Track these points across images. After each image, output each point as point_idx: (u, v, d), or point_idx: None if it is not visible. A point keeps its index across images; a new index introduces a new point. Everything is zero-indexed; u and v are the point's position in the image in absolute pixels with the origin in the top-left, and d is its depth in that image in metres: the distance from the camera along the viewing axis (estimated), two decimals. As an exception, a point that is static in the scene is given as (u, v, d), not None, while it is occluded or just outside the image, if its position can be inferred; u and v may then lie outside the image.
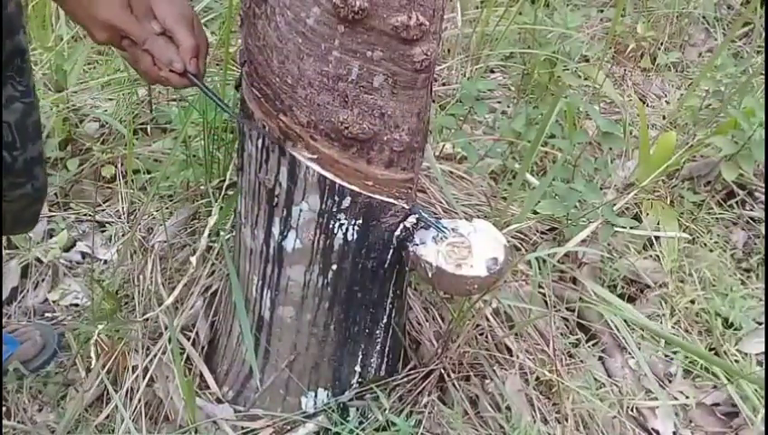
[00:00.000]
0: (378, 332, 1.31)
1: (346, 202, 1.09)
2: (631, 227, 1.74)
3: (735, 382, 1.53)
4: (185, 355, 1.44)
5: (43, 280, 1.69)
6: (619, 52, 2.64)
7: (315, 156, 1.04)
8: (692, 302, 1.72)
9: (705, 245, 1.88)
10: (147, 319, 1.47)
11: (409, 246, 1.14)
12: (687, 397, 1.53)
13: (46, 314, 1.62)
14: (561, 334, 1.60)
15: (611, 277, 1.75)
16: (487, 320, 1.52)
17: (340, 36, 0.93)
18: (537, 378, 1.47)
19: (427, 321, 1.53)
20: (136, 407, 1.36)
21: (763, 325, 1.67)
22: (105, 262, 1.72)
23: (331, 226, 1.12)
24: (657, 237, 1.82)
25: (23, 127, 1.12)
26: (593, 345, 1.61)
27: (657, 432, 1.46)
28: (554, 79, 2.16)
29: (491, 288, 1.25)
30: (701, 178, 2.01)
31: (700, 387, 1.56)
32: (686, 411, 1.52)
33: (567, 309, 1.65)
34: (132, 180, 1.84)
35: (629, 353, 1.57)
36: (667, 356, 1.62)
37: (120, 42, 0.99)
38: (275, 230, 1.16)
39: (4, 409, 1.41)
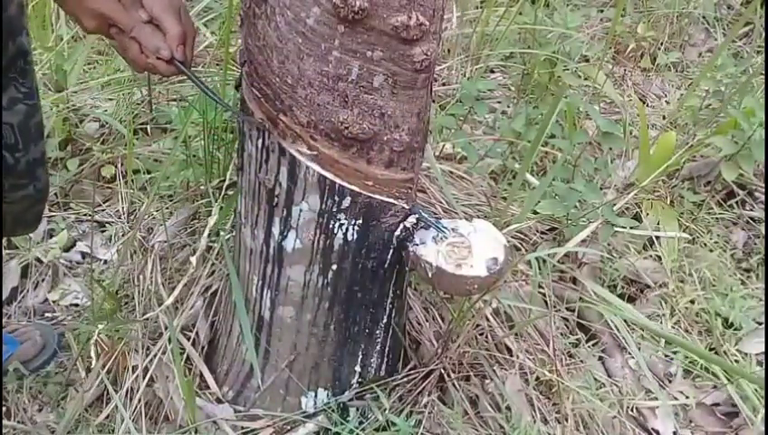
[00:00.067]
0: (378, 332, 1.31)
1: (346, 202, 1.09)
2: (631, 227, 1.74)
3: (735, 382, 1.53)
4: (185, 355, 1.44)
5: (43, 280, 1.69)
6: (619, 52, 2.64)
7: (315, 156, 1.04)
8: (692, 302, 1.72)
9: (705, 245, 1.88)
10: (147, 319, 1.47)
11: (409, 246, 1.14)
12: (687, 397, 1.53)
13: (46, 314, 1.62)
14: (561, 334, 1.60)
15: (611, 277, 1.75)
16: (487, 320, 1.52)
17: (340, 36, 0.93)
18: (537, 378, 1.47)
19: (427, 321, 1.53)
20: (136, 407, 1.36)
21: (763, 325, 1.67)
22: (105, 262, 1.72)
23: (331, 226, 1.12)
24: (657, 237, 1.82)
25: (25, 128, 1.12)
26: (593, 345, 1.61)
27: (657, 432, 1.46)
28: (554, 79, 2.16)
29: (491, 288, 1.25)
30: (701, 178, 2.01)
31: (700, 387, 1.56)
32: (686, 411, 1.52)
33: (567, 309, 1.65)
34: (132, 180, 1.84)
35: (629, 353, 1.57)
36: (667, 356, 1.62)
37: (108, 30, 0.99)
38: (275, 230, 1.16)
39: (4, 409, 1.41)
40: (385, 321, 1.30)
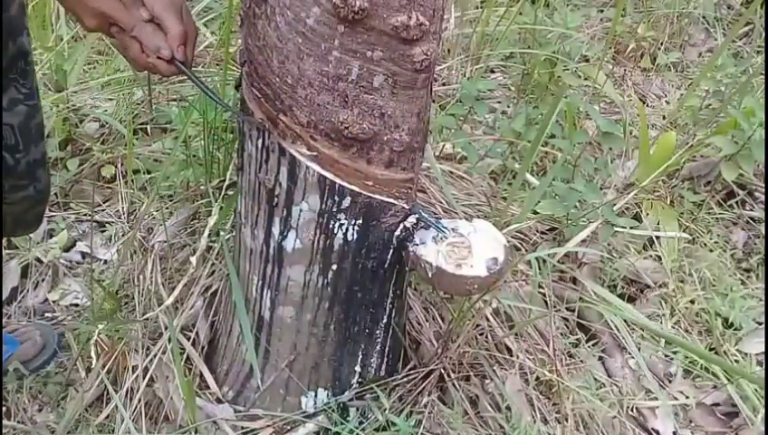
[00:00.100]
0: (378, 332, 1.31)
1: (346, 202, 1.09)
2: (631, 227, 1.74)
3: (735, 382, 1.53)
4: (185, 355, 1.44)
5: (43, 280, 1.69)
6: (619, 52, 2.64)
7: (315, 156, 1.04)
8: (692, 302, 1.72)
9: (705, 245, 1.88)
10: (147, 319, 1.47)
11: (409, 246, 1.14)
12: (687, 397, 1.53)
13: (46, 314, 1.62)
14: (561, 334, 1.60)
15: (611, 277, 1.75)
16: (487, 320, 1.52)
17: (340, 36, 0.93)
18: (537, 378, 1.47)
19: (427, 321, 1.53)
20: (136, 407, 1.36)
21: (763, 325, 1.67)
22: (105, 262, 1.72)
23: (331, 226, 1.12)
24: (657, 237, 1.82)
25: (26, 129, 1.12)
26: (593, 345, 1.61)
27: (657, 432, 1.46)
28: (554, 79, 2.16)
29: (491, 288, 1.25)
30: (701, 178, 2.01)
31: (700, 387, 1.56)
32: (686, 411, 1.52)
33: (567, 309, 1.65)
34: (132, 180, 1.84)
35: (629, 353, 1.57)
36: (667, 356, 1.62)
37: (109, 28, 0.99)
38: (275, 230, 1.16)
39: (4, 409, 1.41)
40: (385, 321, 1.30)
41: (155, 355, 1.41)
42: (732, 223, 1.97)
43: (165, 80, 2.09)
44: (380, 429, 1.36)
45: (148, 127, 2.03)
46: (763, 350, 1.63)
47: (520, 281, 1.65)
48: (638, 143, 2.02)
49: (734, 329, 1.68)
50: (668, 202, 1.94)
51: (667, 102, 2.46)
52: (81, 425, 1.37)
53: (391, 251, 1.18)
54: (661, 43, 2.66)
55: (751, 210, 2.00)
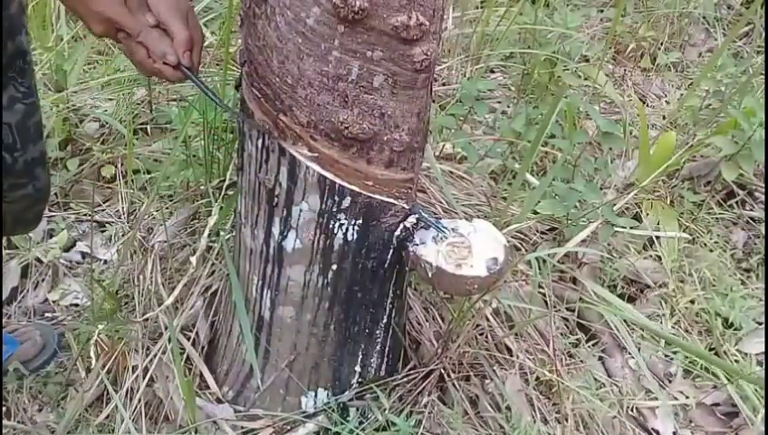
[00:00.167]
0: (378, 332, 1.31)
1: (346, 202, 1.09)
2: (631, 227, 1.74)
3: (735, 382, 1.53)
4: (185, 355, 1.44)
5: (43, 280, 1.69)
6: (619, 52, 2.64)
7: (315, 156, 1.04)
8: (692, 302, 1.72)
9: (705, 245, 1.88)
10: (147, 319, 1.47)
11: (409, 246, 1.14)
12: (687, 397, 1.53)
13: (46, 314, 1.62)
14: (561, 334, 1.60)
15: (611, 277, 1.75)
16: (487, 320, 1.52)
17: (340, 36, 0.93)
18: (537, 378, 1.47)
19: (427, 321, 1.53)
20: (136, 407, 1.36)
21: (763, 325, 1.67)
22: (105, 262, 1.72)
23: (331, 226, 1.12)
24: (657, 237, 1.82)
25: (24, 128, 1.12)
26: (593, 345, 1.61)
27: (657, 432, 1.46)
28: (554, 79, 2.16)
29: (491, 288, 1.25)
30: (701, 178, 2.01)
31: (700, 387, 1.56)
32: (686, 411, 1.52)
33: (567, 309, 1.65)
34: (132, 180, 1.84)
35: (629, 353, 1.57)
36: (666, 356, 1.62)
37: (116, 34, 1.00)
38: (275, 230, 1.16)
39: (4, 409, 1.41)
40: (385, 321, 1.30)
41: (155, 355, 1.41)
42: (732, 223, 1.97)
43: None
44: (380, 429, 1.36)
45: (149, 127, 2.03)
46: (763, 350, 1.63)
47: (520, 281, 1.65)
48: (638, 143, 2.02)
49: (734, 329, 1.68)
50: (668, 202, 1.94)
51: (667, 102, 2.46)
52: (81, 425, 1.37)
53: (391, 251, 1.18)
54: (661, 43, 2.66)
55: (751, 210, 2.00)
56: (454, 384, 1.43)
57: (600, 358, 1.60)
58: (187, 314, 1.49)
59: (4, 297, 1.63)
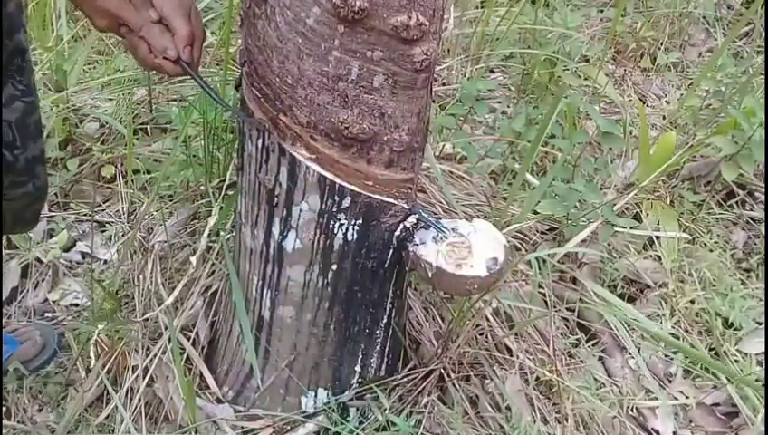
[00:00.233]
0: (378, 332, 1.31)
1: (346, 202, 1.09)
2: (631, 227, 1.74)
3: (735, 383, 1.53)
4: (185, 355, 1.44)
5: (43, 280, 1.69)
6: (619, 52, 2.63)
7: (315, 156, 1.04)
8: (692, 302, 1.72)
9: (705, 245, 1.88)
10: (147, 319, 1.47)
11: (409, 246, 1.14)
12: (687, 397, 1.53)
13: (46, 314, 1.62)
14: (561, 334, 1.60)
15: (611, 277, 1.75)
16: (487, 320, 1.52)
17: (340, 36, 0.93)
18: (537, 378, 1.47)
19: (427, 321, 1.53)
20: (136, 407, 1.36)
21: (763, 325, 1.67)
22: (105, 262, 1.72)
23: (331, 226, 1.12)
24: (657, 237, 1.82)
25: (23, 126, 1.12)
26: (593, 345, 1.61)
27: (657, 432, 1.46)
28: (554, 79, 2.16)
29: (491, 288, 1.25)
30: (701, 178, 2.01)
31: (700, 387, 1.56)
32: (686, 411, 1.52)
33: (567, 309, 1.65)
34: (132, 180, 1.84)
35: (629, 353, 1.57)
36: (666, 356, 1.62)
37: (119, 29, 1.01)
38: (275, 230, 1.16)
39: (4, 409, 1.41)
40: (385, 321, 1.30)
41: (155, 355, 1.41)
42: (732, 223, 1.97)
43: (166, 79, 2.10)
44: (380, 429, 1.36)
45: (149, 127, 2.03)
46: (763, 350, 1.63)
47: (520, 281, 1.65)
48: (638, 143, 2.02)
49: (734, 329, 1.68)
50: (668, 202, 1.94)
51: (667, 102, 2.46)
52: (81, 425, 1.37)
53: (391, 251, 1.18)
54: (661, 43, 2.66)
55: (751, 210, 2.00)
56: (454, 384, 1.43)
57: (600, 358, 1.60)
58: (187, 314, 1.49)
59: (4, 297, 1.63)
